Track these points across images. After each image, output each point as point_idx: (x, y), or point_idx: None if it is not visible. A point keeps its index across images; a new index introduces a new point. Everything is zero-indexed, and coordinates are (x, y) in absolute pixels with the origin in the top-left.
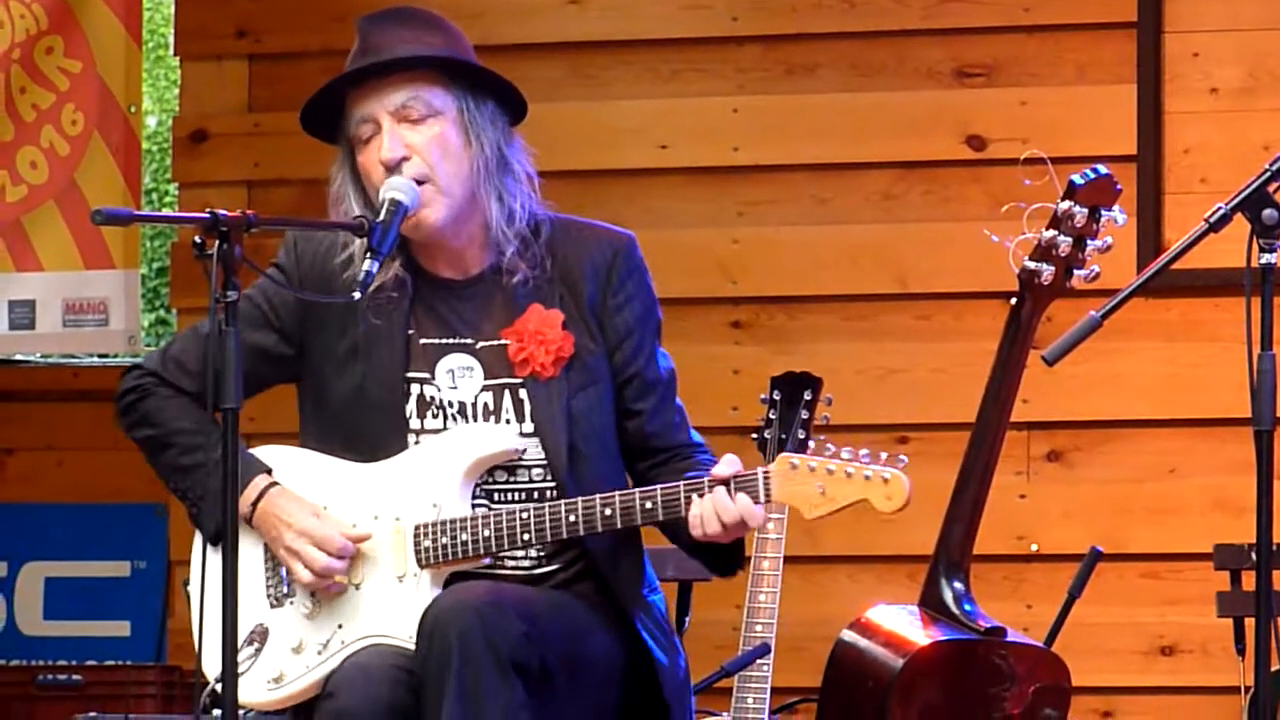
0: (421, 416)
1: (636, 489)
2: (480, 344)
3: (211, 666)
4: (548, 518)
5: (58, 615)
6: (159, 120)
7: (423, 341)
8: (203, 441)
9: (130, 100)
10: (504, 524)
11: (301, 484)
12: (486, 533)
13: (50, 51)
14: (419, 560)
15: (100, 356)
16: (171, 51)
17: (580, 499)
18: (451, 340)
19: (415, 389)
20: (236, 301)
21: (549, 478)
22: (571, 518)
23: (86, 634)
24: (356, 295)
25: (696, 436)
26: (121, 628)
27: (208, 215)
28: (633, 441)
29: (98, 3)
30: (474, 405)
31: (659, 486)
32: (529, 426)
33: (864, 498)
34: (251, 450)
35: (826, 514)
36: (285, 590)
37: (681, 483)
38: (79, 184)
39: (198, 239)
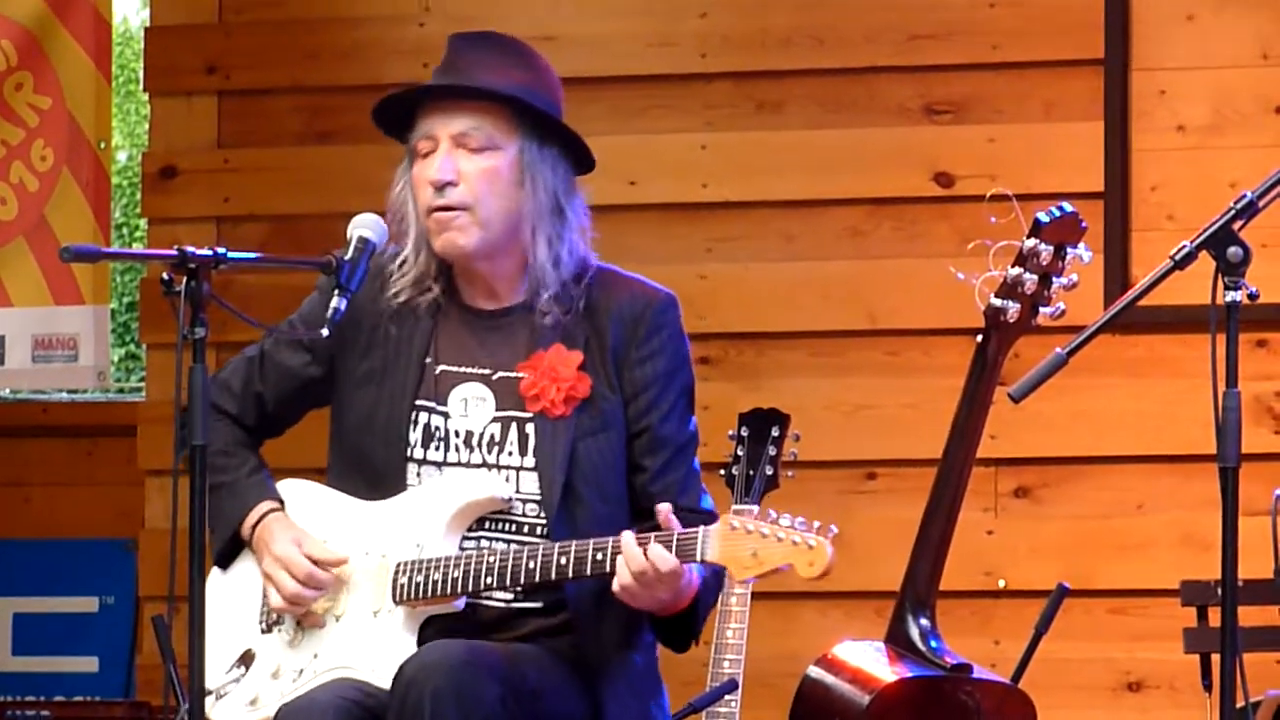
0: (425, 446)
1: (591, 539)
2: (497, 375)
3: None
4: (510, 562)
5: (26, 651)
6: (129, 155)
7: (440, 369)
8: (225, 463)
9: (100, 136)
10: (473, 566)
11: (308, 517)
12: (456, 573)
13: (20, 88)
14: (394, 597)
15: (70, 392)
16: (141, 87)
17: (542, 546)
18: (470, 369)
19: (423, 417)
20: (205, 338)
21: (542, 514)
22: (531, 564)
23: (55, 670)
24: (325, 332)
25: (707, 504)
26: (90, 663)
27: (176, 252)
28: (637, 496)
29: (67, 39)
30: (481, 435)
31: (610, 539)
32: (530, 460)
33: (790, 562)
34: (276, 482)
35: (755, 576)
36: (276, 616)
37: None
38: (48, 220)
39: (166, 275)
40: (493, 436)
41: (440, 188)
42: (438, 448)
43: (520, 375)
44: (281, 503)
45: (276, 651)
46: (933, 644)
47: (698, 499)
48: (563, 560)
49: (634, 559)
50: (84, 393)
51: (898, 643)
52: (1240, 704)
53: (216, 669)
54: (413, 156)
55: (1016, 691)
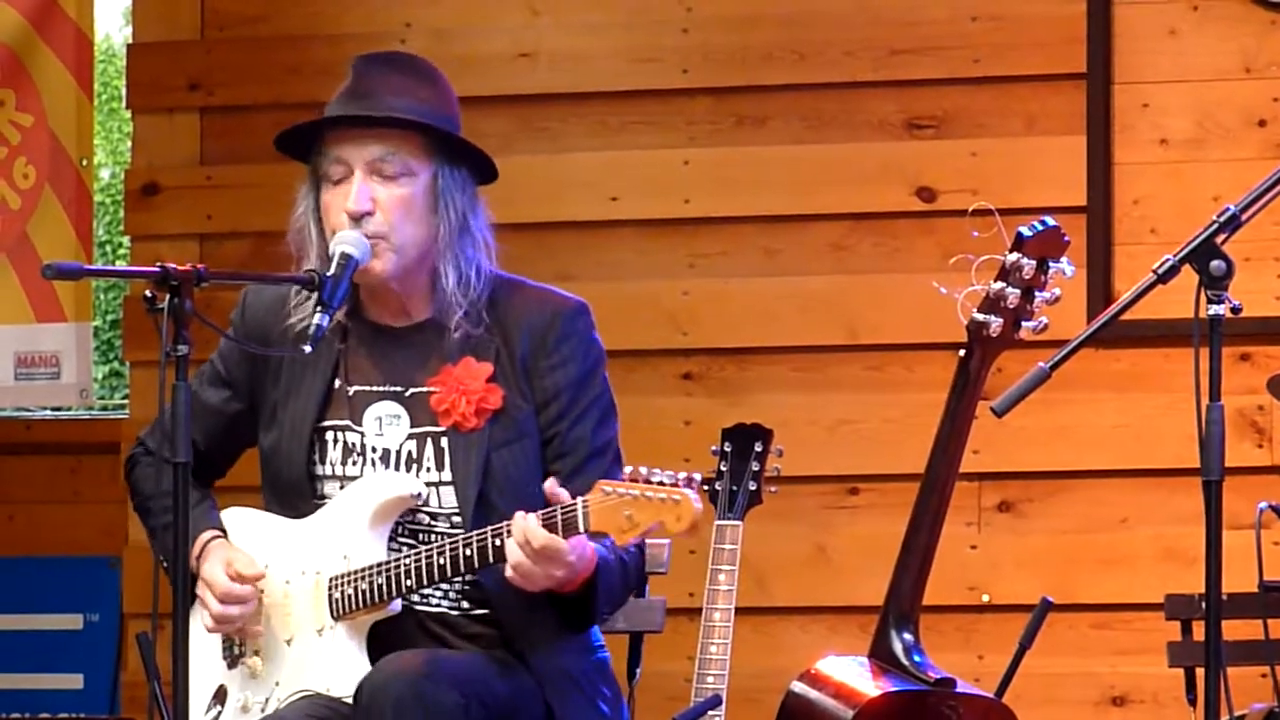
0: (344, 464)
1: (489, 527)
2: (410, 392)
3: None
4: (424, 562)
5: (10, 668)
6: (112, 172)
7: (352, 390)
8: (166, 504)
9: (82, 153)
10: (393, 571)
11: (249, 541)
12: (380, 580)
13: (1, 105)
14: (332, 612)
15: (53, 410)
16: (124, 104)
17: (449, 542)
18: (382, 388)
19: (340, 435)
20: (187, 355)
21: (464, 526)
22: (441, 560)
23: (39, 687)
24: (307, 349)
25: None
26: (74, 680)
27: (158, 269)
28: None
29: (49, 56)
30: (398, 453)
31: (505, 523)
32: (447, 475)
33: (660, 520)
34: (220, 511)
35: (633, 538)
36: (238, 650)
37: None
38: (31, 237)
39: (149, 293)
40: (410, 454)
41: (358, 218)
42: (355, 463)
43: (431, 390)
44: (223, 531)
45: (244, 685)
46: (916, 659)
47: None
48: (468, 552)
49: (516, 532)
50: (68, 410)
51: (881, 657)
52: (1225, 718)
53: (195, 709)
54: (319, 180)
55: (1000, 706)
